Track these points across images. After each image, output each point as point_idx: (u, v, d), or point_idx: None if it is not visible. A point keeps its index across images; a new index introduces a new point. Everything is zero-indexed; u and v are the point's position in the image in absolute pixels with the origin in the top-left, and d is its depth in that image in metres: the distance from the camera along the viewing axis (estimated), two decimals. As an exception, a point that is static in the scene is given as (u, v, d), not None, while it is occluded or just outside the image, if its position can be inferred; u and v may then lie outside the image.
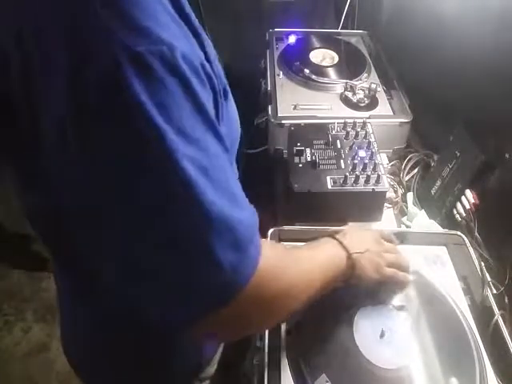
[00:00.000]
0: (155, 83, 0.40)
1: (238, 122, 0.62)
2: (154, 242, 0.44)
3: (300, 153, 0.97)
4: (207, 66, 0.46)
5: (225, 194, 0.45)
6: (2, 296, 1.88)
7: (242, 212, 0.47)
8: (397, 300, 0.75)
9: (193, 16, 0.49)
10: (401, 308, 0.74)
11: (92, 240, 0.48)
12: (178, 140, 0.42)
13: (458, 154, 0.98)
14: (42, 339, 1.76)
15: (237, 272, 0.46)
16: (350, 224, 0.95)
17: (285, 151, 1.11)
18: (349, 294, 0.74)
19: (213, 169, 0.45)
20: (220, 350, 0.86)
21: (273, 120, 1.12)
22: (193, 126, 0.43)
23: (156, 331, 0.61)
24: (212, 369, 0.85)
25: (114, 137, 0.41)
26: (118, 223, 0.45)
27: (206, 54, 0.48)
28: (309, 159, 0.96)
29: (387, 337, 0.69)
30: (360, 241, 0.71)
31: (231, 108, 0.57)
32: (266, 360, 0.68)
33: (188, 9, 0.48)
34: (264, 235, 0.86)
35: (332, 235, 0.70)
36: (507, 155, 0.88)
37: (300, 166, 0.95)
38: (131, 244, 0.45)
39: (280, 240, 0.86)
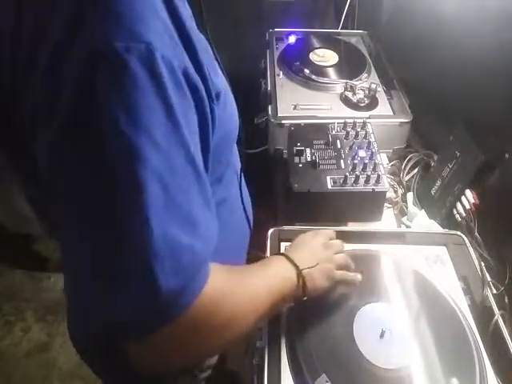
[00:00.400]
0: (128, 81, 0.40)
1: (237, 118, 0.63)
2: (97, 244, 0.44)
3: (300, 153, 0.98)
4: (193, 76, 0.45)
5: (178, 217, 0.44)
6: (2, 296, 1.88)
7: (195, 239, 0.45)
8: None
9: (190, 27, 0.48)
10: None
11: (63, 236, 0.49)
12: (144, 144, 0.41)
13: (458, 154, 0.98)
14: (42, 339, 1.75)
15: (175, 298, 0.45)
16: (350, 224, 0.95)
17: (285, 151, 1.11)
18: (349, 294, 0.74)
19: (174, 188, 0.43)
20: None
21: (273, 120, 1.12)
22: (163, 133, 0.42)
23: None
24: (213, 359, 0.85)
25: (77, 136, 0.42)
26: (74, 222, 0.46)
27: (197, 63, 0.47)
28: (309, 159, 0.96)
29: (387, 337, 0.69)
30: (310, 253, 0.70)
31: (229, 106, 0.58)
32: (266, 360, 0.68)
33: (185, 19, 0.47)
34: (264, 235, 0.87)
35: (282, 253, 0.69)
36: (507, 155, 0.88)
37: (300, 166, 0.95)
38: (83, 243, 0.46)
39: (280, 240, 0.86)
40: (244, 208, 0.81)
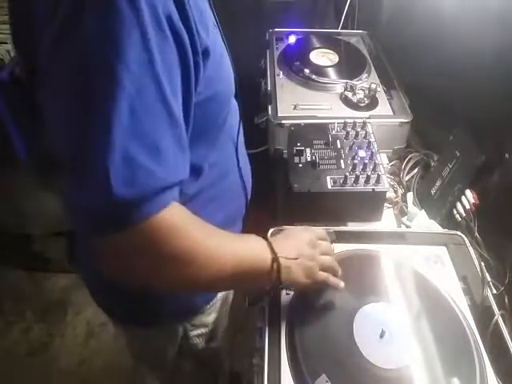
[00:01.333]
0: (111, 10, 0.45)
1: (232, 83, 0.66)
2: (68, 137, 0.50)
3: (300, 153, 0.98)
4: (177, 23, 0.49)
5: (142, 140, 0.48)
6: (2, 296, 1.88)
7: (156, 164, 0.49)
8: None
9: None
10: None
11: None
12: (121, 70, 0.46)
13: (458, 154, 0.98)
14: (42, 339, 1.76)
15: (127, 208, 0.49)
16: (350, 224, 0.95)
17: (285, 151, 1.11)
18: (349, 294, 0.74)
19: (142, 114, 0.48)
20: (216, 301, 0.90)
21: (273, 120, 1.12)
22: (138, 63, 0.47)
23: None
24: (207, 318, 0.90)
25: (65, 50, 0.47)
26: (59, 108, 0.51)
27: (184, 13, 0.50)
28: (309, 159, 0.96)
29: (387, 337, 0.69)
30: (293, 245, 0.69)
31: (224, 69, 0.62)
32: (266, 360, 0.68)
33: None
34: (264, 235, 0.86)
35: (264, 236, 0.69)
36: (507, 155, 0.88)
37: (300, 166, 0.95)
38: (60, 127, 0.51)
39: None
40: (241, 175, 0.82)
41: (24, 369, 1.66)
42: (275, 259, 0.64)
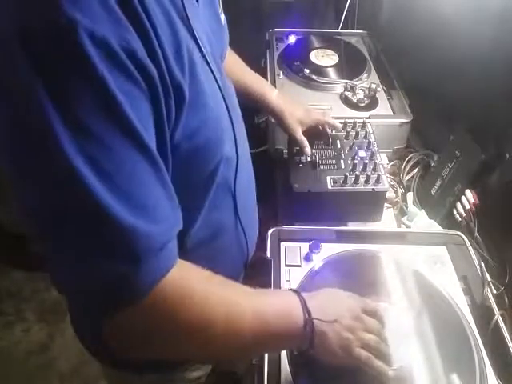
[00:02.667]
0: (45, 57, 0.38)
1: (219, 122, 0.57)
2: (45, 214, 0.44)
3: (300, 153, 0.98)
4: (143, 58, 0.42)
5: (127, 202, 0.43)
6: (1, 296, 1.88)
7: (139, 220, 0.43)
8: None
9: (158, 13, 0.45)
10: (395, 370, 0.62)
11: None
12: (69, 133, 0.39)
13: (458, 154, 0.98)
14: (42, 339, 1.75)
15: (126, 281, 0.44)
16: (350, 224, 0.95)
17: (285, 151, 1.11)
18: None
19: (116, 173, 0.42)
20: None
21: (273, 120, 1.11)
22: (92, 118, 0.40)
23: None
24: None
25: (7, 109, 0.41)
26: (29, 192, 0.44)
27: (150, 47, 0.43)
28: (309, 159, 0.96)
29: (387, 337, 0.69)
30: (331, 308, 0.59)
31: (205, 111, 0.52)
32: (266, 360, 0.68)
33: (143, 4, 0.44)
34: (264, 235, 0.86)
35: (298, 292, 0.59)
36: (507, 155, 0.88)
37: (300, 166, 0.95)
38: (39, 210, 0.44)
39: (280, 240, 0.86)
40: (240, 232, 0.72)
41: (24, 369, 1.65)
42: (309, 321, 0.55)
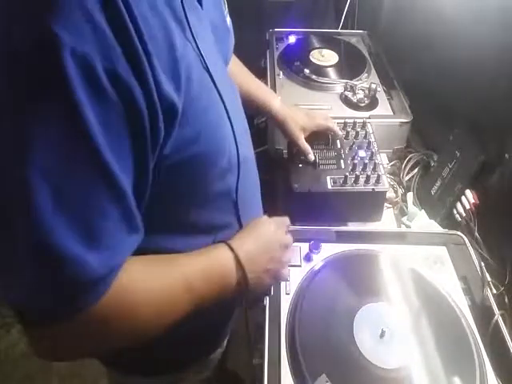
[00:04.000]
0: (23, 71, 0.38)
1: (218, 132, 0.56)
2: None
3: (300, 153, 0.97)
4: (126, 78, 0.41)
5: (77, 228, 0.42)
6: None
7: (89, 252, 0.43)
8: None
9: (150, 33, 0.43)
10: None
11: None
12: (34, 148, 0.39)
13: (458, 154, 0.98)
14: (42, 339, 1.75)
15: (64, 304, 0.44)
16: (350, 224, 0.95)
17: (285, 151, 1.11)
18: (349, 294, 0.74)
19: (69, 197, 0.41)
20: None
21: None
22: (58, 140, 0.39)
23: None
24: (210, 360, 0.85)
25: None
26: None
27: (139, 66, 0.42)
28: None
29: (387, 337, 0.69)
30: (263, 251, 0.65)
31: (198, 120, 0.51)
32: (266, 360, 0.68)
33: (135, 20, 0.42)
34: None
35: (229, 244, 0.62)
36: (507, 155, 0.88)
37: (300, 166, 0.95)
38: None
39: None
40: None
41: (23, 370, 1.65)
42: (243, 278, 0.61)
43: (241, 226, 0.69)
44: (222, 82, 0.57)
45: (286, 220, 0.75)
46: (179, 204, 0.58)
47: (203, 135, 0.52)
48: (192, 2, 0.55)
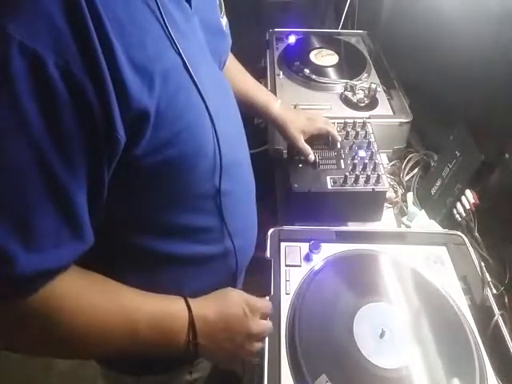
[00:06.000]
0: None
1: (197, 134, 0.54)
2: None
3: (300, 153, 0.97)
4: (81, 79, 0.40)
5: (11, 225, 0.42)
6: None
7: (21, 249, 0.42)
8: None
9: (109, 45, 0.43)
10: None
11: None
12: None
13: (458, 154, 0.98)
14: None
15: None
16: (350, 224, 0.95)
17: (285, 151, 1.11)
18: (349, 294, 0.74)
19: (4, 189, 0.41)
20: None
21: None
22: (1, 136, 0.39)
23: None
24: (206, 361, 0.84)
25: None
26: None
27: (99, 69, 0.41)
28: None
29: (387, 337, 0.69)
30: (223, 328, 0.60)
31: (174, 122, 0.50)
32: (266, 360, 0.68)
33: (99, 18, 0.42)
34: (264, 235, 0.86)
35: (187, 301, 0.59)
36: (507, 155, 0.88)
37: (300, 165, 0.95)
38: None
39: (280, 240, 0.86)
40: (229, 246, 0.68)
41: (23, 370, 1.65)
42: (192, 343, 0.57)
43: (227, 230, 0.66)
44: (207, 83, 0.55)
45: (266, 306, 0.68)
46: (160, 204, 0.57)
47: (182, 137, 0.51)
48: (179, 1, 0.54)
